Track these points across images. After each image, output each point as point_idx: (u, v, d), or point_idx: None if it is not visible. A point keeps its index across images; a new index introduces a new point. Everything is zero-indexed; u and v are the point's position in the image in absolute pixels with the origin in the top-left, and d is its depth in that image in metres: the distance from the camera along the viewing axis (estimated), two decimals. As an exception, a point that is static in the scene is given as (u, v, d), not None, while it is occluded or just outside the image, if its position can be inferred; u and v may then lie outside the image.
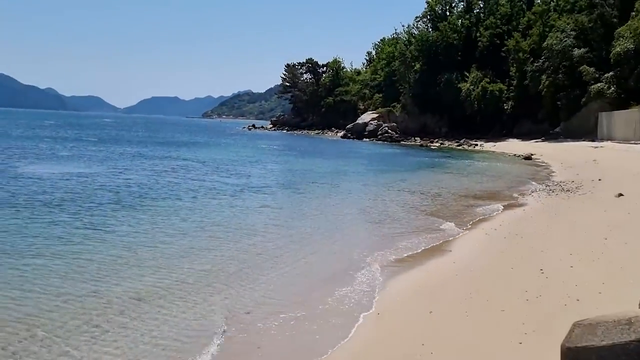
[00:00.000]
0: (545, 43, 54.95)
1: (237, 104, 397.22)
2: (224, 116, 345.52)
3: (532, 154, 40.44)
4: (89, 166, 24.50)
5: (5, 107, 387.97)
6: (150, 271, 8.70)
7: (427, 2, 76.68)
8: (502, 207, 15.91)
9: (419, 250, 10.76)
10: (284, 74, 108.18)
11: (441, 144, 62.25)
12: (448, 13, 76.20)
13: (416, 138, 68.04)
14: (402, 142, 66.15)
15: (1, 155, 27.39)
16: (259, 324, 6.81)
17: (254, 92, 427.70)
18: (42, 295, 7.42)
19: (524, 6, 69.57)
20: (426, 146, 60.67)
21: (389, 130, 70.04)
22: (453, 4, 76.91)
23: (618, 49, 46.53)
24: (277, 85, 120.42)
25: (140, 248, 10.06)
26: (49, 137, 49.12)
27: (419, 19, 77.99)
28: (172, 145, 46.01)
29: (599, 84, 48.53)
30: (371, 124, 72.89)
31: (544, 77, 54.29)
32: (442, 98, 66.92)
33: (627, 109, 43.27)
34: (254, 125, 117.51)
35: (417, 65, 71.76)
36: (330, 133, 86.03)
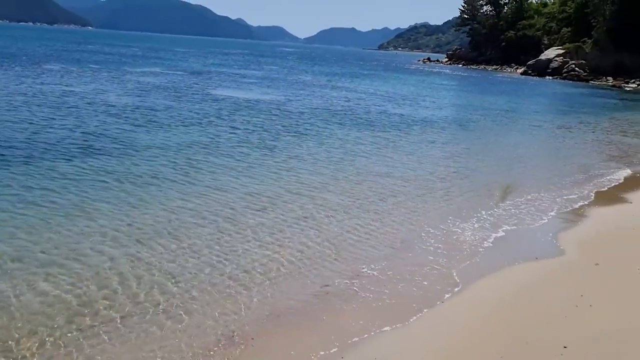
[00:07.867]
0: None
1: (414, 37, 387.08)
2: (400, 48, 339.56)
3: None
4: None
5: (201, 35, 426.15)
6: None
7: None
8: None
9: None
10: (463, 6, 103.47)
11: (639, 84, 56.08)
12: None
13: (608, 78, 61.79)
14: (590, 82, 60.80)
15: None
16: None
17: (430, 24, 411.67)
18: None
19: None
20: (619, 87, 55.27)
21: (576, 68, 64.62)
22: None
23: None
24: (455, 17, 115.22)
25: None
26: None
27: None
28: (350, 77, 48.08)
29: None
30: (556, 60, 67.83)
31: None
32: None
33: None
34: (429, 59, 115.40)
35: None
36: (509, 69, 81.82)
